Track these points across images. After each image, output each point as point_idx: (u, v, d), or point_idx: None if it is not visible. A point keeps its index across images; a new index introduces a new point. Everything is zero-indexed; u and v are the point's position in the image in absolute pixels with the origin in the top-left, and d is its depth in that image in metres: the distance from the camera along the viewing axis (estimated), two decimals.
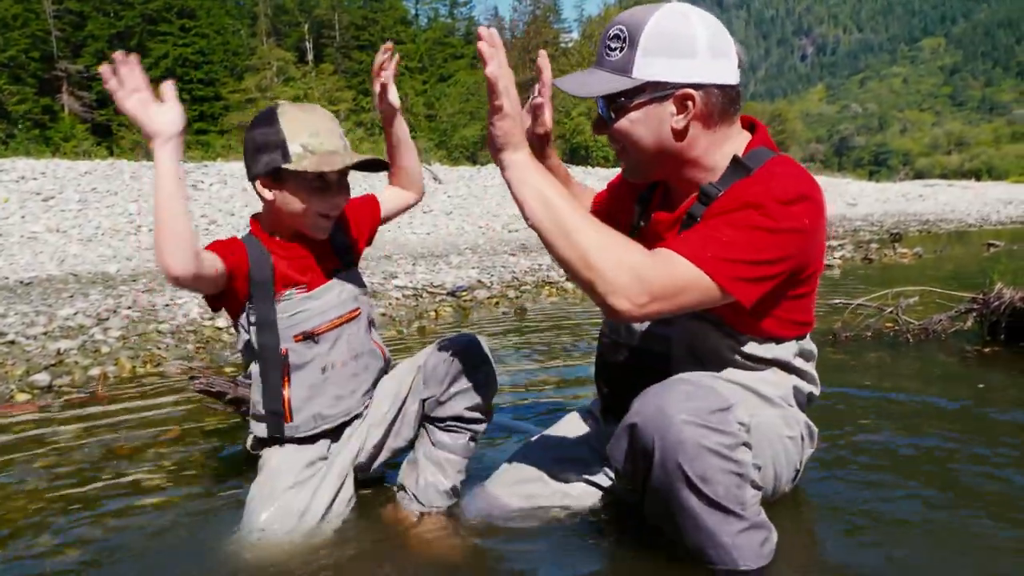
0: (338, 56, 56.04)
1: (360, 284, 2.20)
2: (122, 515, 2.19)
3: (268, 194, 2.03)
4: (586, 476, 2.02)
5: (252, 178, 2.04)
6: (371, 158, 2.02)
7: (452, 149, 46.46)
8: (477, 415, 2.15)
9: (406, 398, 2.16)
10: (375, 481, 2.31)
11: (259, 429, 2.10)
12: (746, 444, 1.56)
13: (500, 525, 1.97)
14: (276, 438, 2.08)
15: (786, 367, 1.84)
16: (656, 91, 1.68)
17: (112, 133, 41.90)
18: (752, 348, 1.79)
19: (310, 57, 54.80)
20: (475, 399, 2.12)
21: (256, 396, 2.10)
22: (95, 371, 4.27)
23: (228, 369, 4.24)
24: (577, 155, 47.63)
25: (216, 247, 2.00)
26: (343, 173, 2.04)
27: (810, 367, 1.90)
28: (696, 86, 1.67)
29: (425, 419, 2.16)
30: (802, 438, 1.86)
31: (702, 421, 1.50)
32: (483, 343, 2.14)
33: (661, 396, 1.55)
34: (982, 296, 4.15)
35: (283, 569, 1.79)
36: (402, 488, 2.15)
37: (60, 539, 2.04)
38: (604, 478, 2.02)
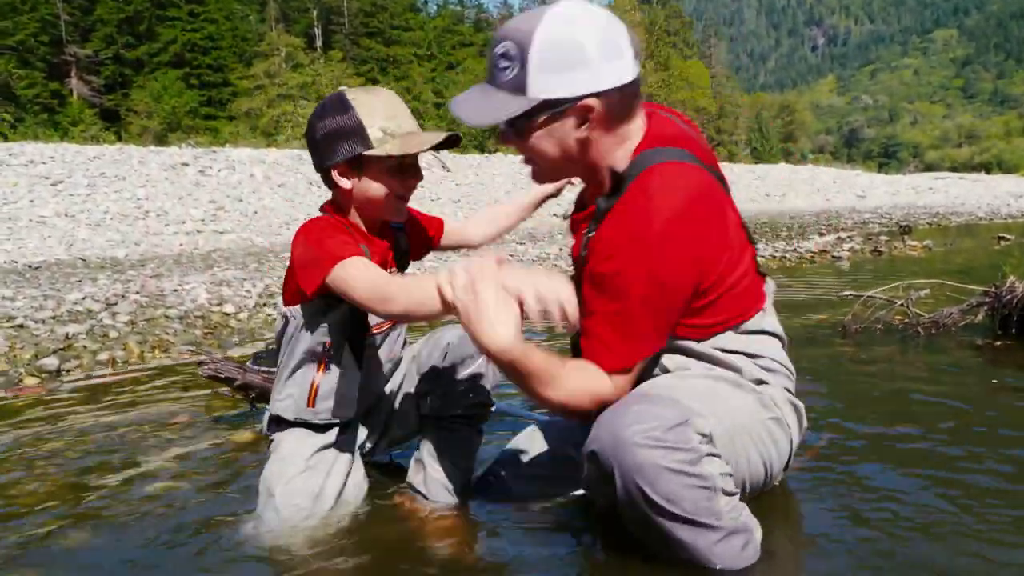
0: (347, 43, 55.96)
1: None
2: (131, 499, 2.20)
3: (346, 182, 1.95)
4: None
5: (326, 167, 1.96)
6: (450, 134, 1.98)
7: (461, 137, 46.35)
8: (477, 409, 2.13)
9: (401, 385, 2.19)
10: (387, 469, 2.30)
11: (280, 408, 2.08)
12: (711, 455, 1.53)
13: (509, 516, 1.96)
14: (291, 421, 2.07)
15: (713, 360, 1.78)
16: (555, 107, 1.64)
17: (120, 118, 42.02)
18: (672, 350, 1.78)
19: (319, 43, 54.74)
20: (473, 392, 2.09)
21: (285, 375, 2.06)
22: (104, 356, 4.28)
23: (236, 355, 4.24)
24: None
25: (351, 248, 1.85)
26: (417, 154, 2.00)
27: (739, 360, 1.81)
28: (594, 95, 1.62)
29: (426, 416, 2.14)
30: (786, 418, 1.81)
31: (657, 442, 1.47)
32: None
33: (613, 421, 1.52)
34: (994, 289, 4.12)
35: (296, 553, 1.79)
36: (410, 486, 2.14)
37: (69, 522, 2.04)
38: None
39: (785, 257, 9.53)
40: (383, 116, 1.91)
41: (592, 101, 1.62)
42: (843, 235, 13.05)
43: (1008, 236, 11.57)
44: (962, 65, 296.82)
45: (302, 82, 45.14)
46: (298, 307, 2.00)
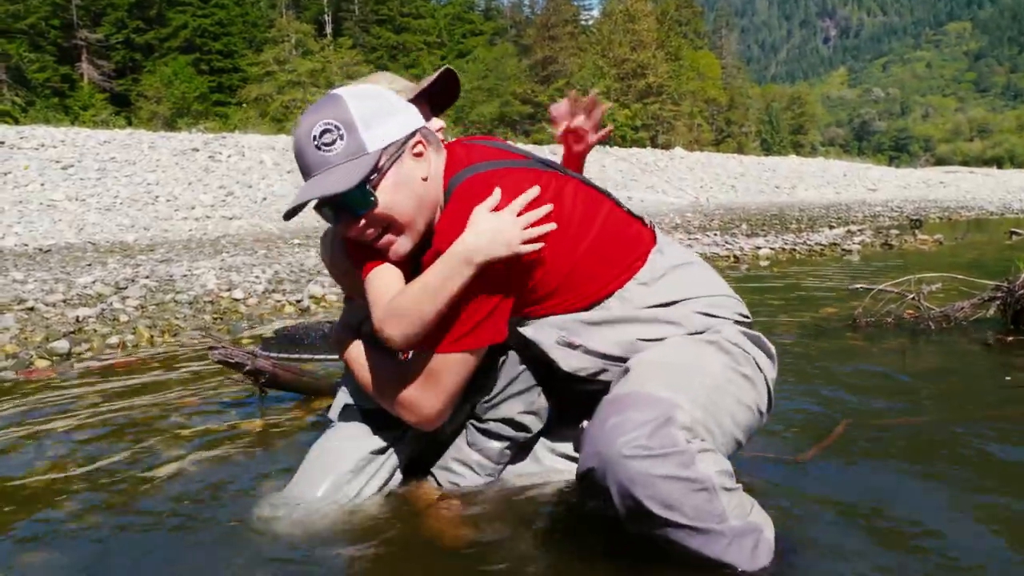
0: (357, 30, 55.84)
1: None
2: (142, 483, 2.20)
3: None
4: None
5: None
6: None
7: (469, 125, 46.30)
8: (528, 420, 2.01)
9: None
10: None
11: (343, 395, 2.09)
12: (703, 451, 1.50)
13: (506, 511, 1.95)
14: (359, 409, 2.07)
15: (649, 321, 1.79)
16: (394, 154, 1.69)
17: (130, 103, 42.02)
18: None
19: (329, 30, 54.63)
20: (531, 402, 1.99)
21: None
22: (114, 339, 4.30)
23: (245, 340, 4.25)
24: None
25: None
26: None
27: (674, 313, 1.80)
28: (416, 130, 1.74)
29: (469, 417, 2.06)
30: (751, 354, 1.78)
31: (645, 451, 1.45)
32: None
33: (598, 438, 1.51)
34: (1006, 284, 4.09)
35: (313, 540, 1.79)
36: (433, 477, 2.10)
37: (80, 505, 2.05)
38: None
39: (795, 250, 9.50)
40: None
41: (414, 137, 1.73)
42: (853, 228, 13.00)
43: (1020, 231, 11.50)
44: (975, 58, 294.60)
45: (312, 69, 45.06)
46: None
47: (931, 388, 3.05)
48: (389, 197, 1.69)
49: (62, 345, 4.07)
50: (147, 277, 6.81)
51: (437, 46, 58.13)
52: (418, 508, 1.97)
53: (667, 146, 46.42)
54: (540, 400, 1.99)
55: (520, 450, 2.09)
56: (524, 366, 1.94)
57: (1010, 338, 3.87)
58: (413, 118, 1.75)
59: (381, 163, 1.68)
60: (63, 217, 12.88)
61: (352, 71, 46.89)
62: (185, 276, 6.89)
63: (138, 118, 37.57)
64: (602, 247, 1.78)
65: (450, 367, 1.72)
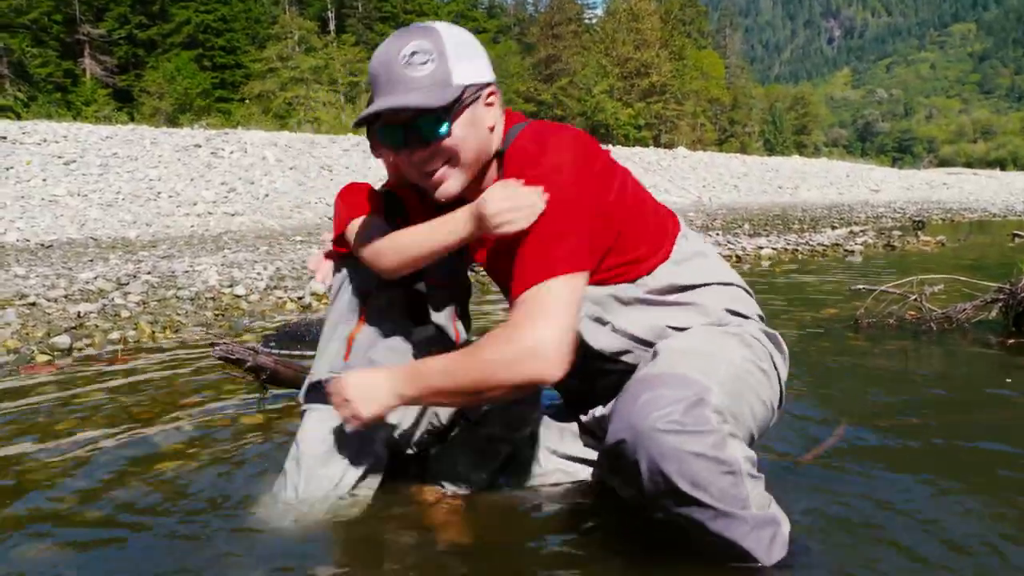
0: (360, 27, 55.82)
1: (462, 272, 2.16)
2: (142, 479, 2.20)
3: None
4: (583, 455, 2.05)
5: None
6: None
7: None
8: (514, 412, 1.98)
9: None
10: (415, 459, 2.28)
11: (317, 368, 2.09)
12: (732, 435, 1.51)
13: (522, 505, 1.96)
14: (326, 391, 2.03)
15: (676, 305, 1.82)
16: (475, 92, 1.70)
17: (133, 99, 42.05)
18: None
19: (332, 27, 54.62)
20: (516, 415, 1.97)
21: (328, 333, 2.10)
22: (115, 335, 4.30)
23: (246, 337, 4.25)
24: (598, 133, 47.34)
25: (360, 208, 1.99)
26: None
27: (702, 296, 1.84)
28: (492, 83, 1.76)
29: (461, 416, 2.07)
30: (769, 350, 1.82)
31: (679, 426, 1.45)
32: None
33: (631, 411, 1.50)
34: (1008, 286, 4.09)
35: (308, 538, 1.80)
36: (430, 475, 2.10)
37: (80, 501, 2.05)
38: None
39: (797, 250, 9.49)
40: None
41: (494, 87, 1.76)
42: (856, 229, 12.98)
43: (1022, 233, 11.49)
44: (979, 60, 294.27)
45: (314, 66, 45.11)
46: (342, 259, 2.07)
47: (932, 390, 3.04)
48: (462, 131, 1.70)
49: (63, 340, 4.07)
50: (149, 273, 6.81)
51: None
52: (417, 508, 1.98)
53: (670, 145, 46.40)
54: (525, 413, 1.97)
55: (522, 451, 2.08)
56: None
57: (1011, 340, 3.86)
58: (489, 69, 1.76)
59: (464, 96, 1.68)
60: (65, 213, 12.89)
61: (355, 67, 46.93)
62: (187, 272, 6.89)
63: (140, 114, 37.61)
64: (644, 216, 1.83)
65: (555, 294, 1.59)
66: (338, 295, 2.08)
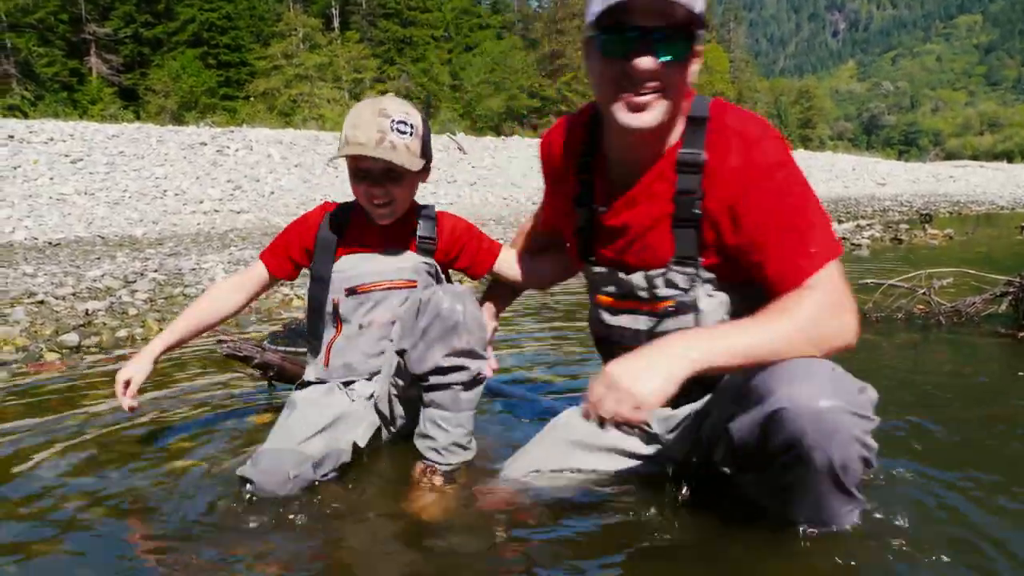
0: (364, 24, 55.80)
1: (427, 268, 2.30)
2: (150, 477, 2.20)
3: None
4: (600, 462, 1.99)
5: None
6: (393, 164, 2.09)
7: (477, 119, 46.23)
8: (457, 362, 2.04)
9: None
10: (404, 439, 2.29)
11: (308, 372, 2.36)
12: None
13: (510, 507, 1.95)
14: (313, 382, 2.32)
15: None
16: (700, 39, 1.65)
17: (139, 97, 42.12)
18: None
19: (336, 24, 54.62)
20: (450, 345, 2.02)
21: (314, 339, 2.35)
22: (123, 333, 4.31)
23: (254, 334, 4.26)
24: None
25: (271, 253, 2.39)
26: (387, 168, 2.12)
27: None
28: None
29: (415, 378, 2.10)
30: None
31: (852, 408, 1.48)
32: (461, 291, 2.07)
33: (810, 381, 1.49)
34: (1018, 279, 4.06)
35: (275, 514, 1.80)
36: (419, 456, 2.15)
37: (88, 500, 2.05)
38: (618, 461, 1.99)
39: None
40: (351, 123, 2.12)
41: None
42: (862, 223, 12.94)
43: None
44: (986, 51, 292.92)
45: (319, 63, 45.09)
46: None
47: (942, 384, 3.03)
48: (694, 70, 1.67)
49: (72, 338, 4.08)
50: (156, 271, 6.82)
51: (444, 40, 58.08)
52: (401, 486, 2.05)
53: None
54: (462, 341, 2.03)
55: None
56: (438, 312, 2.01)
57: (1022, 334, 3.84)
58: None
59: (701, 35, 1.64)
60: (72, 211, 12.92)
61: (359, 64, 46.92)
62: (193, 270, 6.90)
63: (146, 112, 37.65)
64: None
65: (836, 276, 1.65)
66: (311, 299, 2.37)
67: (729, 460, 1.68)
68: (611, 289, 1.92)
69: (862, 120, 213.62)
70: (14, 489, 2.13)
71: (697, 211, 1.72)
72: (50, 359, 3.77)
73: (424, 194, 15.48)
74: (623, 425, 1.55)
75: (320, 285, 2.28)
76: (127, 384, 2.20)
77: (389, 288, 2.25)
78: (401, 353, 2.10)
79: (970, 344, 3.80)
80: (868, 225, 12.31)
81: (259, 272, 2.37)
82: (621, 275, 1.88)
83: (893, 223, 12.95)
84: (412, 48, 54.99)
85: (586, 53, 1.72)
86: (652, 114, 1.64)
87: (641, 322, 1.87)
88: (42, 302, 5.19)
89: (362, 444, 2.18)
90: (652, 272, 1.81)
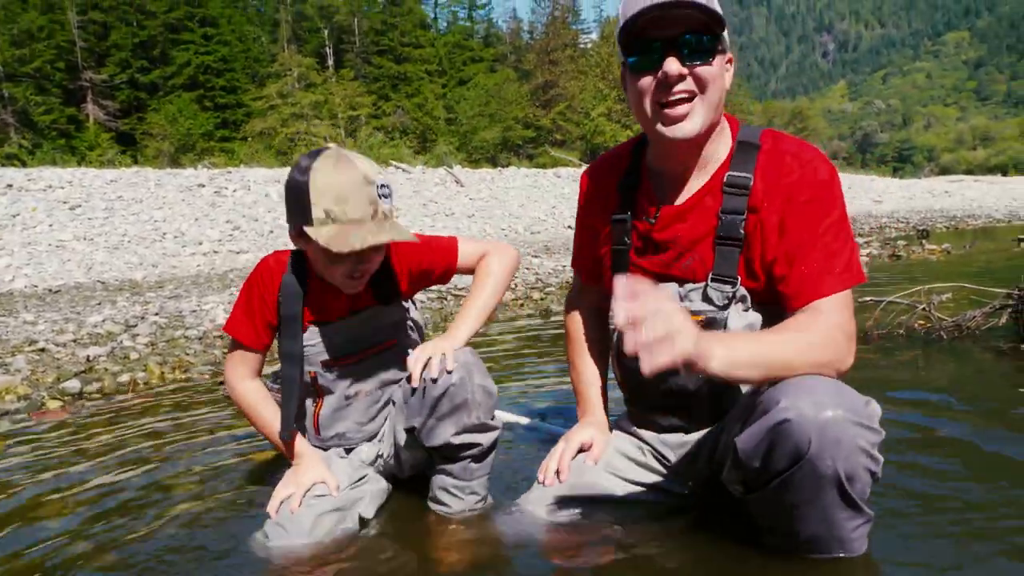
0: (358, 61, 56.33)
1: (398, 317, 2.18)
2: (156, 520, 2.20)
3: (299, 246, 2.00)
4: (616, 488, 1.98)
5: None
6: (403, 237, 1.89)
7: (472, 151, 46.49)
8: (468, 439, 2.00)
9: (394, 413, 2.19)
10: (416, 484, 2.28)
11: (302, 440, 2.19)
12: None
13: (527, 540, 1.93)
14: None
15: None
16: (727, 45, 1.73)
17: (136, 142, 42.40)
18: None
19: (330, 63, 55.12)
20: (461, 423, 1.97)
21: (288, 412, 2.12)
22: (125, 377, 4.30)
23: None
24: (598, 155, 47.44)
25: (242, 325, 2.12)
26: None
27: None
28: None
29: (423, 447, 2.07)
30: None
31: (857, 418, 1.49)
32: (467, 360, 1.98)
33: (815, 393, 1.51)
34: (1017, 292, 4.07)
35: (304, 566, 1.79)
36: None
37: (94, 543, 2.04)
38: (633, 488, 1.98)
39: None
40: (333, 197, 1.83)
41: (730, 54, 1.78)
42: (860, 240, 12.96)
43: None
44: (975, 67, 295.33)
45: (315, 101, 45.42)
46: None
47: (946, 399, 3.02)
48: (719, 71, 1.72)
49: (73, 385, 4.08)
50: (156, 314, 6.83)
51: (438, 74, 58.53)
52: (416, 535, 2.01)
53: None
54: (471, 417, 1.97)
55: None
56: (445, 389, 1.93)
57: (1022, 346, 3.84)
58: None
59: (725, 38, 1.72)
60: (72, 257, 12.95)
61: (355, 101, 47.26)
62: (194, 311, 6.90)
63: (144, 156, 37.87)
64: None
65: (850, 303, 1.70)
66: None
67: (736, 477, 1.67)
68: None
69: (855, 139, 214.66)
70: (16, 539, 2.12)
71: (741, 231, 1.76)
72: (52, 407, 3.77)
73: (423, 228, 15.56)
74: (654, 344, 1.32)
75: (291, 362, 2.07)
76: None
77: (370, 354, 2.14)
78: (410, 430, 2.05)
79: (972, 358, 3.79)
80: (866, 243, 12.33)
81: (257, 359, 2.17)
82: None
83: (891, 240, 12.98)
84: (406, 84, 55.43)
85: (624, 85, 1.80)
86: (692, 121, 1.71)
87: None
88: (43, 349, 5.19)
89: (368, 516, 2.08)
90: (691, 286, 1.83)
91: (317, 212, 1.84)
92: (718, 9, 1.66)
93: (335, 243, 1.81)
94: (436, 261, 2.19)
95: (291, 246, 2.06)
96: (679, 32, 1.65)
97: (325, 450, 2.20)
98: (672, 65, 1.65)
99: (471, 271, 2.22)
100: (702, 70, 1.68)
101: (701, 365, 1.41)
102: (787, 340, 1.59)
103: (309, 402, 2.17)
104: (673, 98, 1.68)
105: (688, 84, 1.68)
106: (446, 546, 1.93)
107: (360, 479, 2.12)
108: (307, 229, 1.85)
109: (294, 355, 2.06)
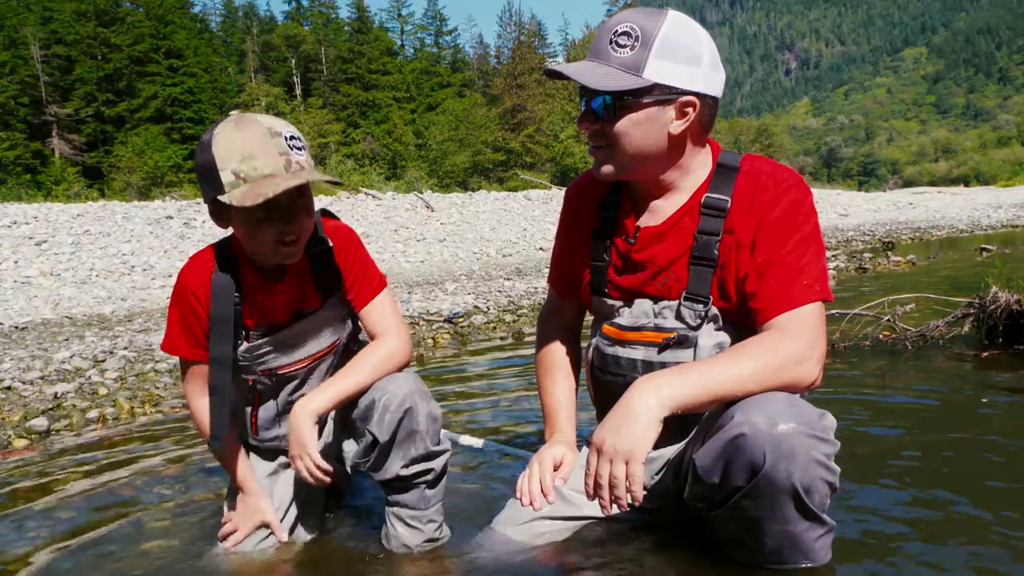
0: (326, 89, 56.46)
1: (340, 313, 2.09)
2: (125, 557, 2.17)
3: (222, 225, 1.85)
4: (589, 507, 1.95)
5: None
6: (322, 178, 1.76)
7: (443, 176, 46.61)
8: (418, 468, 1.94)
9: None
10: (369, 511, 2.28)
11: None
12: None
13: (502, 563, 1.94)
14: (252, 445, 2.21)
15: None
16: (662, 94, 1.74)
17: (103, 175, 42.05)
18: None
19: (298, 91, 55.16)
20: (408, 455, 1.91)
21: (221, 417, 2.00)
22: (93, 413, 4.25)
23: None
24: (568, 177, 47.82)
25: (179, 340, 1.98)
26: (297, 196, 1.79)
27: None
28: (698, 95, 1.76)
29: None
30: None
31: (811, 431, 1.53)
32: (410, 388, 1.91)
33: (768, 407, 1.54)
34: (978, 300, 4.16)
35: None
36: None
37: None
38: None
39: None
40: (238, 157, 1.71)
41: (695, 99, 1.75)
42: (828, 254, 13.14)
43: (990, 247, 11.69)
44: (933, 81, 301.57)
45: None
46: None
47: (911, 408, 3.07)
48: (627, 127, 1.75)
49: (41, 423, 4.02)
50: (126, 348, 6.75)
51: (407, 100, 58.78)
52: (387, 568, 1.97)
53: None
54: (419, 448, 1.91)
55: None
56: (387, 423, 1.87)
57: (985, 353, 3.92)
58: (711, 84, 1.78)
59: (646, 91, 1.72)
60: (38, 293, 12.76)
61: (324, 129, 47.29)
62: None
63: (111, 189, 37.54)
64: None
65: (819, 317, 1.72)
66: None
67: (698, 494, 1.69)
68: (620, 320, 1.94)
69: (821, 154, 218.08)
70: None
71: (715, 252, 1.80)
72: (19, 445, 3.71)
73: (395, 254, 15.53)
74: (627, 497, 1.58)
75: (221, 368, 1.92)
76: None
77: (315, 359, 2.07)
78: (356, 467, 2.02)
79: (937, 367, 3.86)
80: (833, 256, 12.51)
81: (201, 372, 1.99)
82: (633, 305, 1.93)
83: (857, 252, 13.18)
84: (375, 110, 55.61)
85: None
86: (606, 167, 1.82)
87: (639, 352, 1.90)
88: (9, 388, 5.11)
89: (284, 539, 2.11)
90: (665, 303, 1.87)
91: (226, 176, 1.71)
92: (606, 86, 1.72)
93: (249, 198, 1.67)
94: (363, 283, 2.08)
95: None
96: (591, 95, 1.77)
97: (263, 449, 2.20)
98: (580, 121, 1.82)
99: (368, 330, 2.11)
100: (608, 126, 1.77)
101: (647, 445, 1.58)
102: (742, 366, 1.62)
103: (244, 408, 2.12)
104: (592, 145, 1.82)
105: (602, 135, 1.79)
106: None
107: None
108: (220, 198, 1.72)
109: (224, 360, 1.92)
